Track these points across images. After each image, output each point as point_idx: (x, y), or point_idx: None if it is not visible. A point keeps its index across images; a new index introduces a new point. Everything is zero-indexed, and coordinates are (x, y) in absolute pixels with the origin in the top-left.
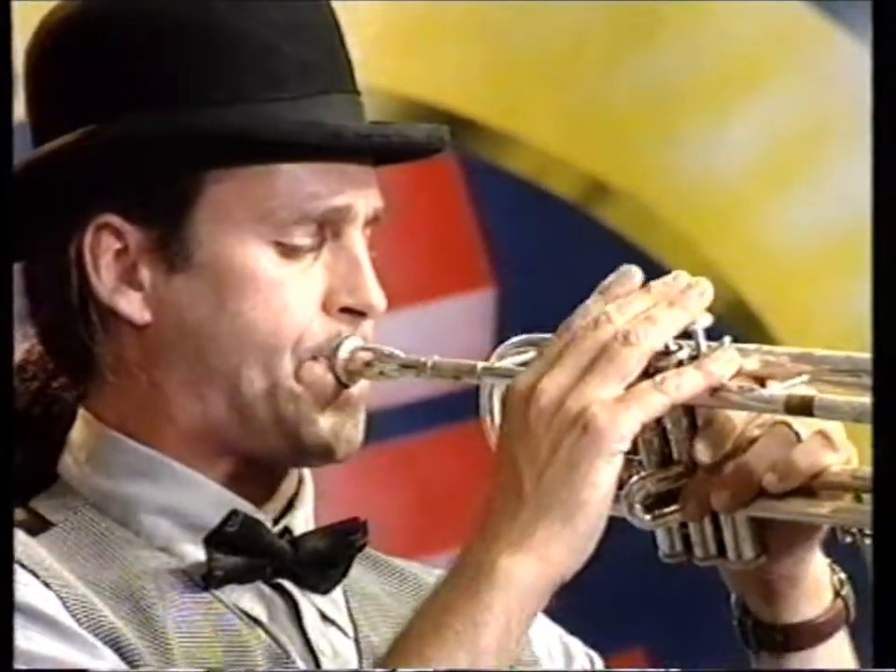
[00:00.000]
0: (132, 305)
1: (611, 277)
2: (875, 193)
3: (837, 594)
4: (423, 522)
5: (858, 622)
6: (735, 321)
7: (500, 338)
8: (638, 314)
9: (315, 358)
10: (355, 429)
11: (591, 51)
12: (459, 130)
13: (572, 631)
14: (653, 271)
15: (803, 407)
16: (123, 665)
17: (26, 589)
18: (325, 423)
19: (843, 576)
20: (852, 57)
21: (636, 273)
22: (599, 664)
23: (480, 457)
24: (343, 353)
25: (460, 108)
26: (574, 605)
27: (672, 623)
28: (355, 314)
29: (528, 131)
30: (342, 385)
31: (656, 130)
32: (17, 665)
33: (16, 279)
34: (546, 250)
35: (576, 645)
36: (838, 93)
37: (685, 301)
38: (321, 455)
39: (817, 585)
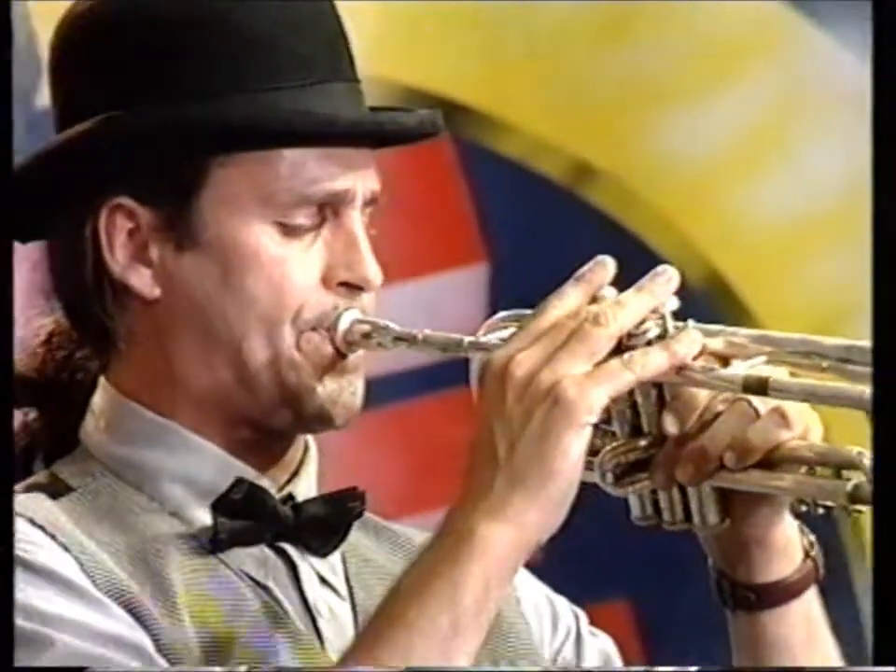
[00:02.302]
0: (142, 281)
1: (587, 265)
2: (875, 182)
3: (807, 554)
4: (419, 481)
5: (828, 582)
6: (711, 294)
7: (493, 309)
8: (609, 298)
9: (314, 329)
10: (352, 396)
11: (577, 44)
12: (456, 116)
13: (554, 584)
14: (634, 247)
15: (758, 387)
16: (136, 625)
17: (45, 552)
18: (323, 390)
19: (812, 538)
20: (821, 50)
21: (609, 262)
22: (584, 621)
23: (471, 421)
24: (343, 324)
25: (457, 96)
26: (556, 558)
27: (654, 574)
28: (352, 288)
29: (519, 117)
30: (340, 355)
31: (638, 116)
32: (34, 626)
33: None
34: (535, 227)
35: (562, 603)
36: (807, 84)
37: (653, 286)
38: (321, 420)
39: (787, 547)
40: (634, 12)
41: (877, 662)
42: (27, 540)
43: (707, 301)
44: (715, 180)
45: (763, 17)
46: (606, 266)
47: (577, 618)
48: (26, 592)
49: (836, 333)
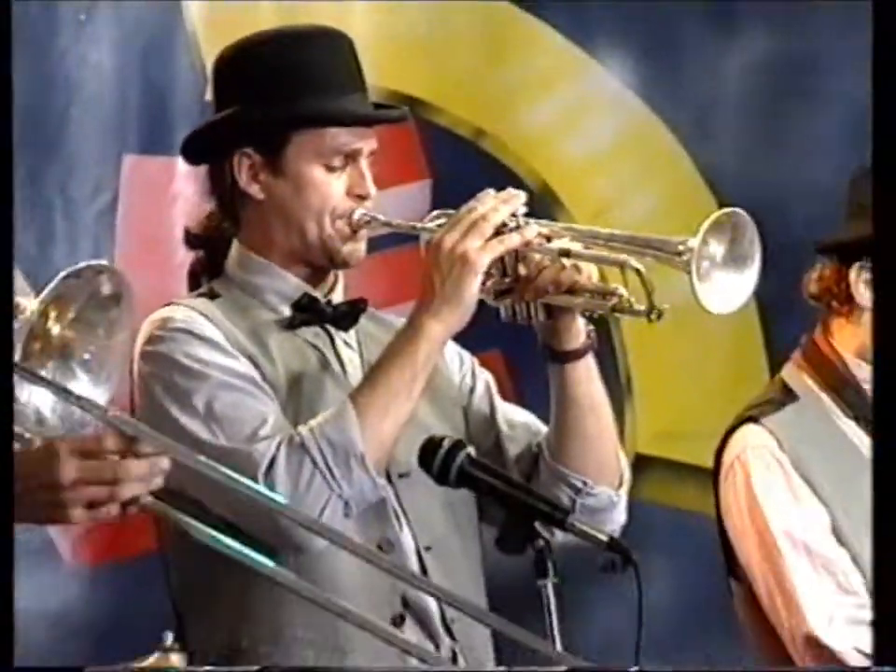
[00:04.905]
0: (255, 191)
1: (479, 195)
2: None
3: (588, 335)
4: (393, 291)
5: (599, 350)
6: (546, 199)
7: (433, 208)
8: (491, 206)
9: (340, 218)
10: (360, 252)
11: (477, 59)
12: (411, 103)
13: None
14: (508, 174)
15: (566, 253)
16: (252, 367)
17: (205, 327)
18: (345, 249)
19: (591, 327)
20: (598, 74)
21: (519, 194)
22: (477, 363)
23: (418, 266)
24: (356, 216)
25: (409, 91)
26: None
27: (519, 333)
28: (361, 197)
29: (446, 103)
30: (353, 232)
31: (512, 102)
32: (200, 368)
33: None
34: (458, 162)
35: (465, 353)
36: (594, 90)
37: (512, 200)
38: (344, 264)
39: (579, 331)
40: (510, 40)
41: (877, 662)
42: (196, 321)
43: (544, 204)
44: (551, 139)
45: (572, 52)
46: (487, 193)
47: (473, 361)
48: (196, 350)
49: (609, 220)
